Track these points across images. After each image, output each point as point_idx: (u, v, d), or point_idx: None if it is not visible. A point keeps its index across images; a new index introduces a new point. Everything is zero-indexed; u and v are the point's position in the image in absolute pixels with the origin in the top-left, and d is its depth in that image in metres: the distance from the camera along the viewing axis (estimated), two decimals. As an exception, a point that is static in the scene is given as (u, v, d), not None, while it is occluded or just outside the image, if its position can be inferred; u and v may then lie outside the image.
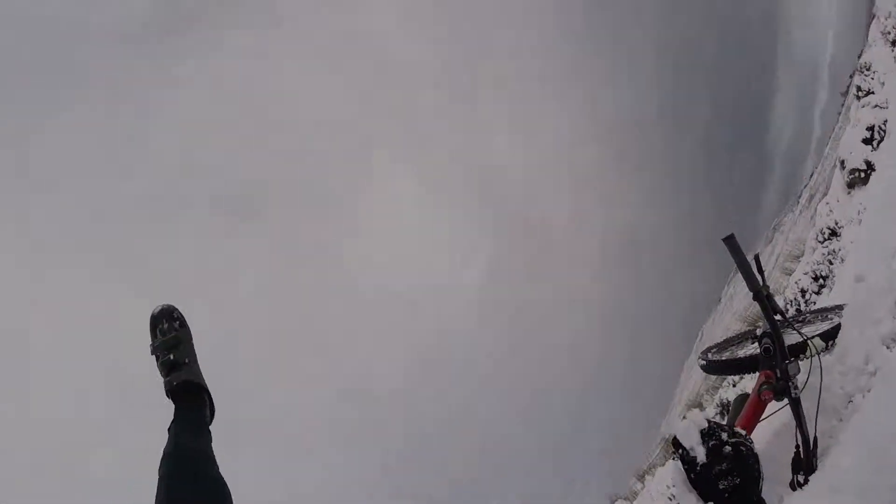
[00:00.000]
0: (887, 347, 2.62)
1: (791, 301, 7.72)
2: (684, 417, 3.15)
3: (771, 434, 3.10)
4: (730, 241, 2.70)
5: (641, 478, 9.03)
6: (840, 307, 3.31)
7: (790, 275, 9.53)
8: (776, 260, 17.00)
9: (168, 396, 2.45)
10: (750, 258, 2.71)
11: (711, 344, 3.96)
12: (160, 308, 2.58)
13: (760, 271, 2.71)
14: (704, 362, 3.56)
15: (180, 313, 2.59)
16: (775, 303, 2.73)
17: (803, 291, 7.83)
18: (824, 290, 7.25)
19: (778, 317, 2.75)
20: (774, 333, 2.68)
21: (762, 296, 2.68)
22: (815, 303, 7.13)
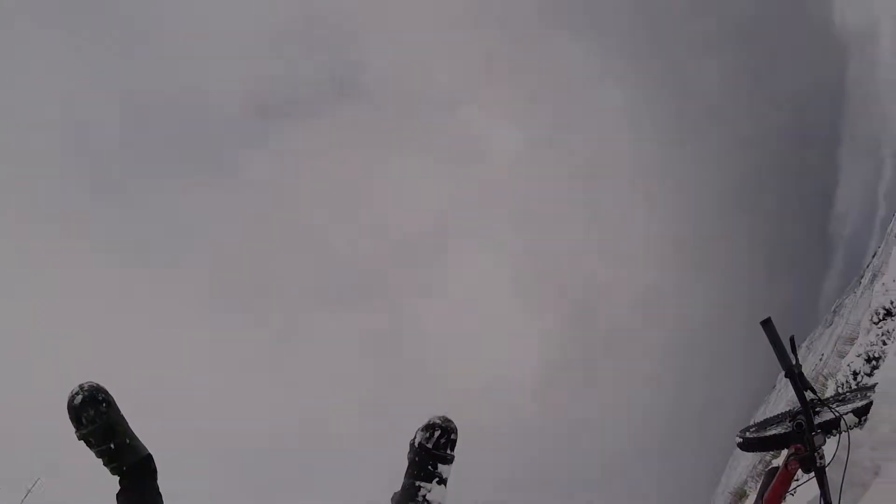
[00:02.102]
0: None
1: (843, 384, 7.57)
2: None
3: (801, 505, 3.16)
4: (767, 324, 2.87)
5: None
6: (873, 386, 3.40)
7: (843, 357, 9.33)
8: (834, 344, 16.44)
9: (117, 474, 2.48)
10: (786, 339, 2.86)
11: (751, 424, 4.03)
12: (81, 397, 2.42)
13: (794, 351, 2.85)
14: (741, 440, 3.65)
15: (105, 394, 2.45)
16: (806, 381, 2.87)
17: (855, 374, 7.67)
18: (876, 372, 7.09)
19: (809, 393, 2.88)
20: (804, 408, 2.81)
21: (794, 374, 2.82)
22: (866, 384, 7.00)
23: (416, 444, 2.67)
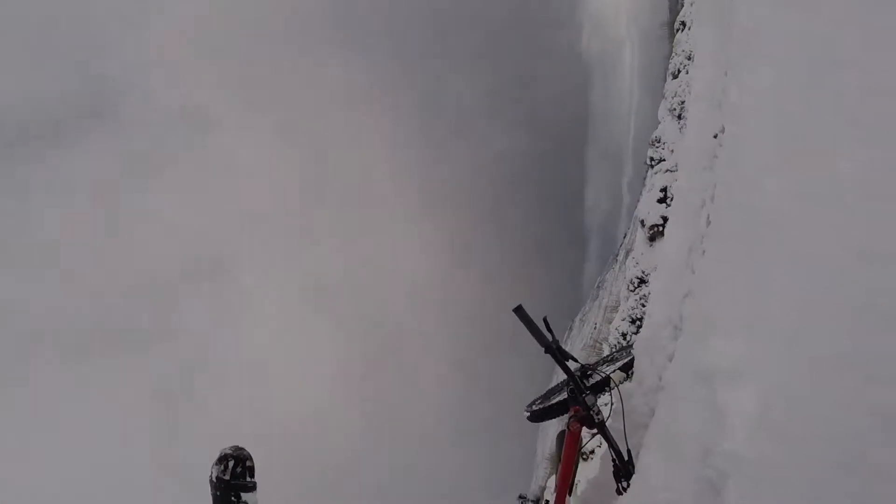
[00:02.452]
0: (670, 361, 3.24)
1: (614, 345, 8.65)
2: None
3: (598, 460, 3.61)
4: (518, 311, 3.14)
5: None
6: (632, 344, 3.97)
7: (612, 323, 10.66)
8: (603, 313, 18.73)
9: None
10: (539, 321, 3.15)
11: (535, 397, 4.38)
12: None
13: (549, 330, 3.13)
14: (528, 413, 3.99)
15: None
16: (566, 352, 3.19)
17: (623, 335, 8.84)
18: (641, 331, 8.28)
19: (572, 363, 3.24)
20: (569, 375, 3.18)
21: (552, 349, 3.13)
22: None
23: (214, 479, 2.61)
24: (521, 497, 3.97)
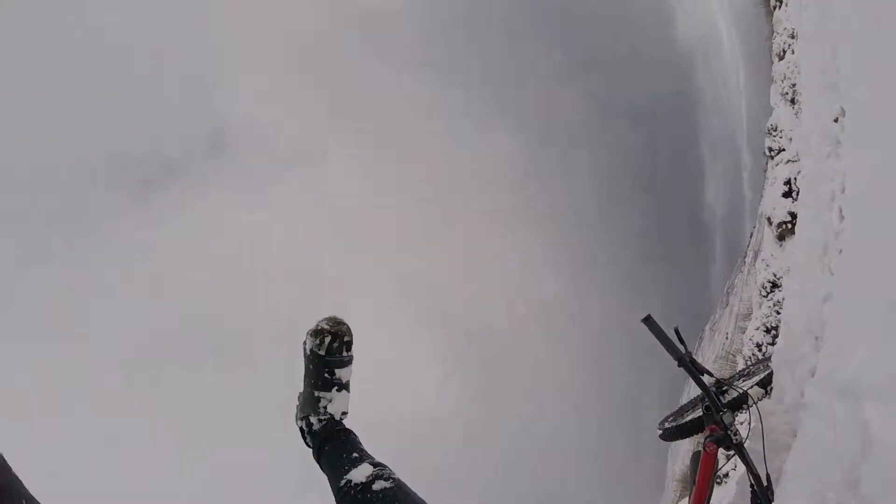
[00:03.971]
0: (812, 375, 2.90)
1: (749, 357, 8.03)
2: None
3: (734, 484, 3.29)
4: (648, 321, 2.92)
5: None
6: (770, 357, 3.62)
7: (745, 332, 9.94)
8: (735, 322, 17.51)
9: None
10: (670, 331, 2.92)
11: (668, 413, 4.10)
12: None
13: (682, 341, 2.88)
14: (661, 431, 3.72)
15: None
16: (700, 366, 2.93)
17: (759, 345, 8.18)
18: (778, 341, 7.62)
19: (707, 377, 2.98)
20: (705, 391, 2.91)
21: (686, 362, 2.88)
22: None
23: (308, 351, 2.38)
24: None
